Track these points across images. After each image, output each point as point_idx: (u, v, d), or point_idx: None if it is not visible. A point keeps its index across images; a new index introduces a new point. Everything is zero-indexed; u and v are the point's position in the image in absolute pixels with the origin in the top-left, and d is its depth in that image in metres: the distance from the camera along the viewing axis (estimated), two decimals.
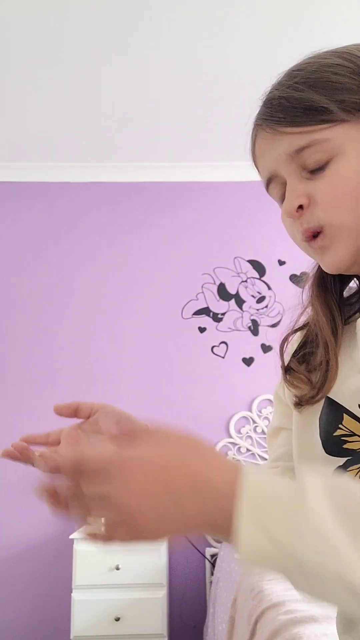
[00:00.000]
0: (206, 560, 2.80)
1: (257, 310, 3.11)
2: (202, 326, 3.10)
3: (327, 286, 0.64)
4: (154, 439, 0.44)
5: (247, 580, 1.82)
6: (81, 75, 2.51)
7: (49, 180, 3.25)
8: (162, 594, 2.42)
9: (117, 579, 2.42)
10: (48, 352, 3.06)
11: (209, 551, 2.81)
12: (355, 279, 0.64)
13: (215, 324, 3.10)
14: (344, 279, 0.65)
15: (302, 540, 0.39)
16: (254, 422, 2.97)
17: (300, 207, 0.57)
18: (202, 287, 3.13)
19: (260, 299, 3.12)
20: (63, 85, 2.57)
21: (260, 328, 3.08)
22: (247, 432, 2.97)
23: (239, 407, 2.98)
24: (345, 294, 0.65)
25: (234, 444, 2.95)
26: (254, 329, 3.08)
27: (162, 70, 2.48)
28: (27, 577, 2.81)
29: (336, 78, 0.54)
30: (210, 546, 2.83)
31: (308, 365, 0.62)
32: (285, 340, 0.65)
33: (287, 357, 0.65)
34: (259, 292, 3.13)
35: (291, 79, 0.56)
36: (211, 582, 2.67)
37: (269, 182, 0.60)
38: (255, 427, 2.96)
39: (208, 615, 2.48)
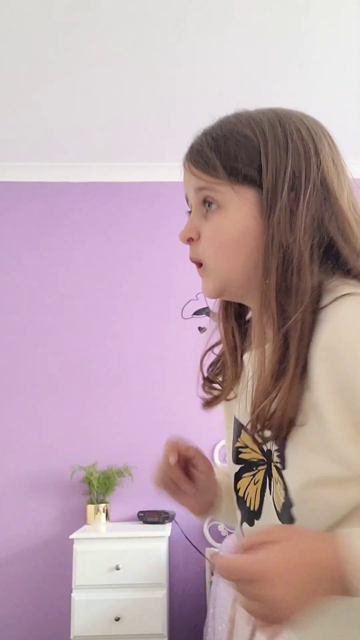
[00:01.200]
0: (206, 560, 2.80)
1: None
2: (202, 326, 3.10)
3: (228, 309, 0.78)
4: (271, 540, 0.53)
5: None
6: (81, 75, 2.51)
7: (48, 180, 3.25)
8: (162, 594, 2.42)
9: (117, 579, 2.42)
10: (47, 352, 3.06)
11: (209, 551, 2.81)
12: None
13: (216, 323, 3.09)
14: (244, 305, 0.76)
15: None
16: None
17: (191, 239, 0.70)
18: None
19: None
20: (63, 85, 2.57)
21: None
22: None
23: None
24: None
25: None
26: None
27: (162, 70, 2.48)
28: (27, 577, 2.81)
29: (234, 148, 0.65)
30: (210, 546, 2.84)
31: (221, 374, 0.76)
32: (202, 357, 0.78)
33: (206, 369, 0.78)
34: None
35: (210, 132, 0.69)
36: (211, 582, 2.67)
37: (187, 200, 0.74)
38: None
39: (208, 615, 2.48)
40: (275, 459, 0.64)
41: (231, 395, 0.74)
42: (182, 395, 3.00)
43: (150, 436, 2.94)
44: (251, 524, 0.68)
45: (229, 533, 2.82)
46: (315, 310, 0.60)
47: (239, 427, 0.71)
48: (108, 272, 3.18)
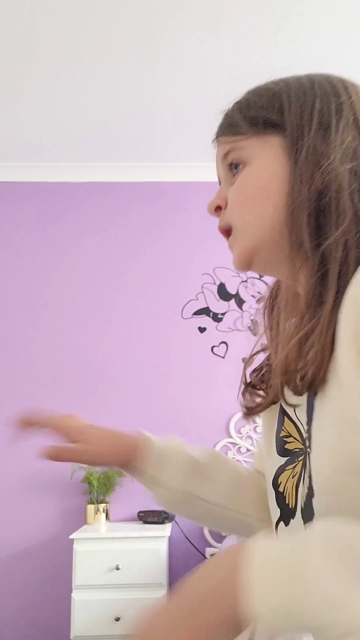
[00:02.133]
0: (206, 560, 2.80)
1: (258, 310, 3.11)
2: (202, 326, 3.10)
3: (275, 306, 0.70)
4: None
5: None
6: (81, 75, 2.51)
7: (49, 180, 3.25)
8: (162, 594, 2.42)
9: (117, 579, 2.42)
10: (46, 352, 3.06)
11: (209, 551, 2.81)
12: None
13: (215, 324, 3.10)
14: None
15: (309, 600, 0.39)
16: (254, 422, 2.97)
17: (219, 207, 0.65)
18: (202, 287, 3.13)
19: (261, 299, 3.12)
20: (63, 85, 2.57)
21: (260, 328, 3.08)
22: (247, 432, 2.97)
23: (239, 407, 2.97)
24: None
25: (234, 444, 2.95)
26: (254, 329, 3.08)
27: (162, 70, 2.48)
28: (27, 577, 2.81)
29: (256, 99, 0.64)
30: (210, 546, 2.83)
31: (266, 381, 0.68)
32: (247, 361, 0.71)
33: (249, 374, 0.71)
34: (259, 292, 3.13)
35: (236, 100, 0.67)
36: None
37: (219, 181, 0.68)
38: (255, 427, 2.96)
39: None
40: (307, 442, 0.56)
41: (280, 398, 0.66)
42: (183, 395, 3.00)
43: None
44: (287, 523, 0.60)
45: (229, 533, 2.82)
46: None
47: (283, 414, 0.64)
48: (108, 272, 3.18)
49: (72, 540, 2.54)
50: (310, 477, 0.53)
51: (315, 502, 0.52)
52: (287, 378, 0.56)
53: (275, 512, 0.63)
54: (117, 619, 2.37)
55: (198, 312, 3.11)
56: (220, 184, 0.68)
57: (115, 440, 0.76)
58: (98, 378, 3.03)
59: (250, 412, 0.69)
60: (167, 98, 2.68)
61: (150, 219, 3.23)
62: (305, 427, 0.57)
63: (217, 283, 3.13)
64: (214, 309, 3.12)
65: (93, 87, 2.59)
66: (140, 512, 2.76)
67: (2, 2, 2.10)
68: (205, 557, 2.80)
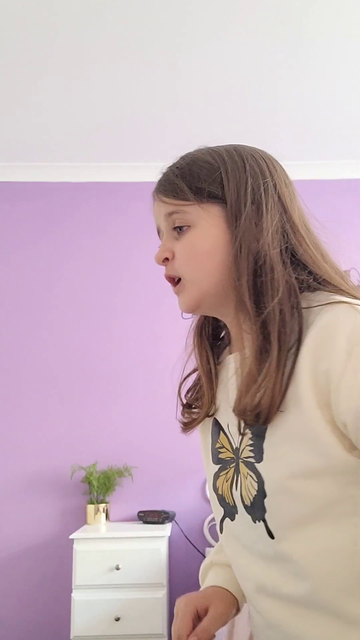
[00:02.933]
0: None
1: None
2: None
3: (202, 332, 0.85)
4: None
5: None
6: (81, 75, 2.51)
7: (48, 180, 3.25)
8: (162, 594, 2.42)
9: (117, 579, 2.42)
10: (47, 352, 3.06)
11: (208, 551, 2.81)
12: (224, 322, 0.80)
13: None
14: (218, 323, 0.83)
15: None
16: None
17: (166, 259, 0.76)
18: None
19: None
20: (63, 85, 2.57)
21: None
22: None
23: None
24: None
25: None
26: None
27: (162, 70, 2.48)
28: (27, 577, 2.81)
29: (198, 171, 0.73)
30: (210, 546, 2.83)
31: (200, 398, 0.81)
32: (181, 384, 0.84)
33: (184, 394, 0.84)
34: None
35: (174, 165, 0.76)
36: None
37: (158, 232, 0.80)
38: None
39: None
40: (247, 453, 0.69)
41: (212, 410, 0.79)
42: (183, 395, 3.00)
43: (151, 436, 2.94)
44: (232, 518, 0.73)
45: None
46: (296, 306, 0.65)
47: (218, 429, 0.77)
48: (108, 272, 3.18)
49: (72, 540, 2.54)
50: (260, 482, 0.66)
51: (267, 501, 0.65)
52: (243, 415, 0.66)
53: (219, 512, 0.76)
54: (117, 619, 2.37)
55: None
56: (159, 236, 0.80)
57: (224, 612, 0.81)
58: (97, 378, 3.03)
59: (187, 427, 0.82)
60: (167, 98, 2.68)
61: (150, 219, 3.21)
62: (249, 442, 0.68)
63: None
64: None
65: (93, 87, 2.59)
66: (140, 512, 2.76)
67: (1, 3, 2.10)
68: (205, 557, 2.80)
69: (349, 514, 0.61)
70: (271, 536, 0.65)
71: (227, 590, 0.83)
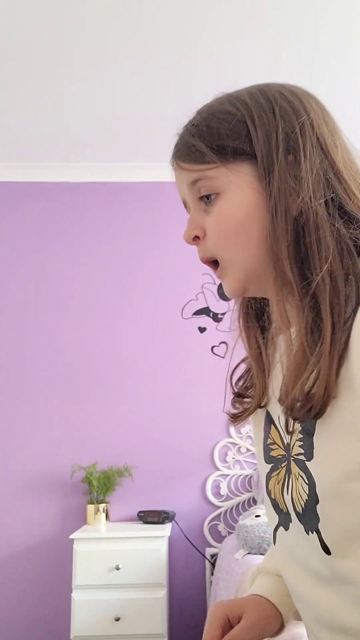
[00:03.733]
0: (206, 560, 2.80)
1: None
2: (202, 326, 3.10)
3: (249, 314, 0.71)
4: None
5: (247, 581, 1.82)
6: (81, 76, 2.51)
7: (49, 180, 3.26)
8: (162, 594, 2.42)
9: (117, 579, 2.42)
10: (47, 352, 3.06)
11: (209, 551, 2.81)
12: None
13: (215, 324, 3.10)
14: (265, 301, 0.71)
15: None
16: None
17: (197, 237, 0.65)
18: (202, 287, 3.14)
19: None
20: (63, 85, 2.57)
21: None
22: (247, 432, 2.97)
23: None
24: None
25: (234, 444, 2.95)
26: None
27: (161, 70, 2.48)
28: (27, 577, 2.81)
29: (218, 126, 0.62)
30: (210, 546, 2.84)
31: (252, 387, 0.70)
32: (233, 372, 0.72)
33: (235, 384, 0.73)
34: None
35: (190, 122, 0.66)
36: (211, 582, 2.67)
37: (184, 205, 0.69)
38: None
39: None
40: (297, 449, 0.58)
41: (264, 400, 0.68)
42: (183, 395, 3.00)
43: (150, 436, 2.94)
44: (286, 528, 0.62)
45: (229, 533, 2.82)
46: (352, 269, 0.55)
47: (269, 422, 0.67)
48: (108, 272, 3.18)
49: (72, 540, 2.54)
50: (311, 484, 0.55)
51: (320, 508, 0.54)
52: (291, 411, 0.56)
53: (274, 519, 0.65)
54: (117, 619, 2.37)
55: (198, 312, 3.11)
56: (187, 209, 0.68)
57: (259, 622, 0.70)
58: (98, 378, 3.03)
59: (236, 418, 0.70)
60: (167, 98, 2.68)
61: (150, 219, 3.23)
62: (299, 435, 0.58)
63: (217, 283, 3.13)
64: (214, 309, 3.12)
65: (93, 87, 2.59)
66: (140, 512, 2.76)
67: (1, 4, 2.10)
68: (205, 557, 2.80)
69: None
70: (327, 551, 0.54)
71: (268, 600, 0.72)
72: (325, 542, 0.54)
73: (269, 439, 0.66)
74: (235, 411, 0.70)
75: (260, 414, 0.70)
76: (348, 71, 2.52)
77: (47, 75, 2.50)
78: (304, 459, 0.57)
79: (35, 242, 3.20)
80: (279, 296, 0.59)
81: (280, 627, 0.71)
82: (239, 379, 0.72)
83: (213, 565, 2.75)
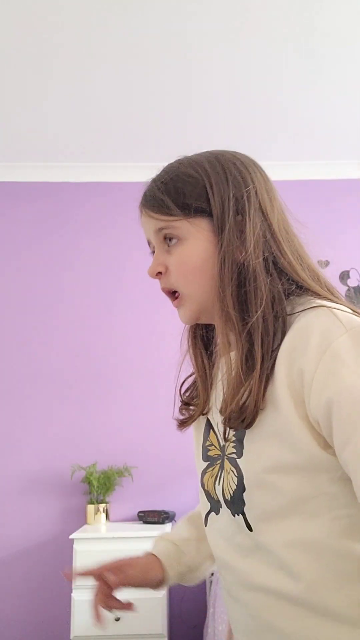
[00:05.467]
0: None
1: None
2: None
3: (196, 334, 0.88)
4: None
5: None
6: (81, 76, 2.51)
7: (48, 180, 3.26)
8: (162, 594, 2.42)
9: None
10: (47, 352, 3.06)
11: None
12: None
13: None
14: (210, 325, 0.85)
15: None
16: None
17: (160, 273, 0.79)
18: None
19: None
20: (63, 85, 2.57)
21: None
22: None
23: None
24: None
25: None
26: None
27: (162, 70, 2.48)
28: (27, 577, 2.82)
29: (182, 187, 0.75)
30: None
31: (197, 397, 0.84)
32: (181, 385, 0.87)
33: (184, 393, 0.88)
34: None
35: (158, 179, 0.78)
36: (211, 582, 2.67)
37: (149, 244, 0.83)
38: None
39: (208, 615, 2.48)
40: (231, 449, 0.72)
41: (206, 409, 0.82)
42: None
43: (150, 436, 2.94)
44: (217, 512, 0.77)
45: None
46: (279, 315, 0.68)
47: (209, 428, 0.81)
48: (108, 272, 3.18)
49: (72, 540, 2.54)
50: (239, 477, 0.69)
51: (246, 495, 0.68)
52: (229, 421, 0.69)
53: (206, 506, 0.80)
54: (117, 619, 2.37)
55: None
56: (150, 248, 0.82)
57: (145, 569, 0.93)
58: (97, 377, 3.03)
59: (183, 424, 0.85)
60: (167, 98, 2.67)
61: None
62: (233, 438, 0.72)
63: None
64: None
65: (93, 87, 2.59)
66: (140, 512, 2.76)
67: (7, 7, 2.10)
68: None
69: (326, 510, 0.64)
70: (249, 528, 0.68)
71: (158, 558, 0.91)
72: (249, 521, 0.68)
73: (207, 442, 0.81)
74: (182, 417, 0.85)
75: (201, 421, 0.84)
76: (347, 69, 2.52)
77: (47, 75, 2.50)
78: (235, 457, 0.70)
79: (35, 242, 3.20)
80: (223, 327, 0.73)
81: (161, 581, 0.91)
82: (186, 390, 0.87)
83: None
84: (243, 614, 0.72)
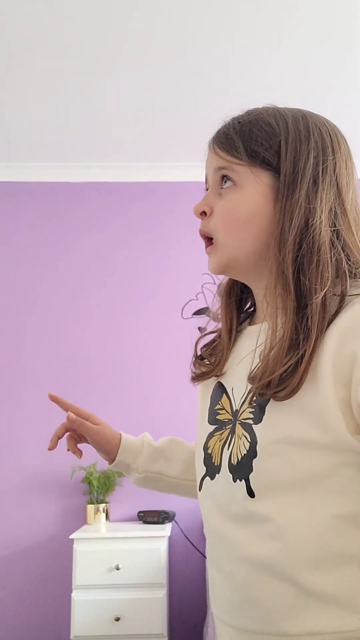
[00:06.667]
0: (206, 560, 2.80)
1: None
2: (202, 326, 3.10)
3: (231, 292, 0.86)
4: None
5: None
6: (81, 76, 2.51)
7: (49, 180, 3.25)
8: (162, 594, 2.42)
9: (117, 579, 2.42)
10: (47, 351, 3.06)
11: (209, 551, 2.81)
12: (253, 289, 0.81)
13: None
14: (247, 289, 0.84)
15: None
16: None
17: (204, 213, 0.76)
18: (202, 287, 3.14)
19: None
20: (63, 85, 2.57)
21: None
22: None
23: None
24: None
25: None
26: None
27: (162, 70, 2.48)
28: (27, 577, 2.81)
29: (257, 133, 0.72)
30: None
31: (214, 355, 0.84)
32: (200, 337, 0.89)
33: (199, 348, 0.87)
34: None
35: (237, 119, 0.75)
36: None
37: (206, 180, 0.79)
38: None
39: (208, 615, 2.48)
40: (247, 415, 0.70)
41: (220, 372, 0.81)
42: (182, 396, 3.00)
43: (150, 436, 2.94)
44: (212, 477, 0.75)
45: None
46: (338, 293, 0.64)
47: (222, 392, 0.79)
48: (108, 272, 3.18)
49: (72, 540, 2.54)
50: (252, 442, 0.67)
51: (256, 461, 0.66)
52: (264, 388, 0.66)
53: (202, 470, 0.78)
54: (117, 619, 2.37)
55: (198, 312, 3.11)
56: (206, 186, 0.78)
57: (110, 433, 1.04)
58: (97, 378, 3.03)
59: (197, 378, 0.85)
60: (167, 98, 2.68)
61: (150, 219, 3.23)
62: (252, 404, 0.69)
63: (217, 283, 3.13)
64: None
65: (92, 87, 2.59)
66: (140, 512, 2.77)
67: (6, 5, 2.10)
68: (205, 557, 2.80)
69: (336, 492, 0.63)
70: (251, 494, 0.66)
71: (121, 439, 1.03)
72: (252, 487, 0.66)
73: (217, 405, 0.78)
74: (196, 371, 0.85)
75: (209, 384, 0.83)
76: None
77: (46, 74, 2.50)
78: (252, 422, 0.68)
79: (35, 241, 3.20)
80: (273, 290, 0.68)
81: (112, 457, 1.01)
82: (204, 346, 0.86)
83: None
84: (228, 587, 0.70)
